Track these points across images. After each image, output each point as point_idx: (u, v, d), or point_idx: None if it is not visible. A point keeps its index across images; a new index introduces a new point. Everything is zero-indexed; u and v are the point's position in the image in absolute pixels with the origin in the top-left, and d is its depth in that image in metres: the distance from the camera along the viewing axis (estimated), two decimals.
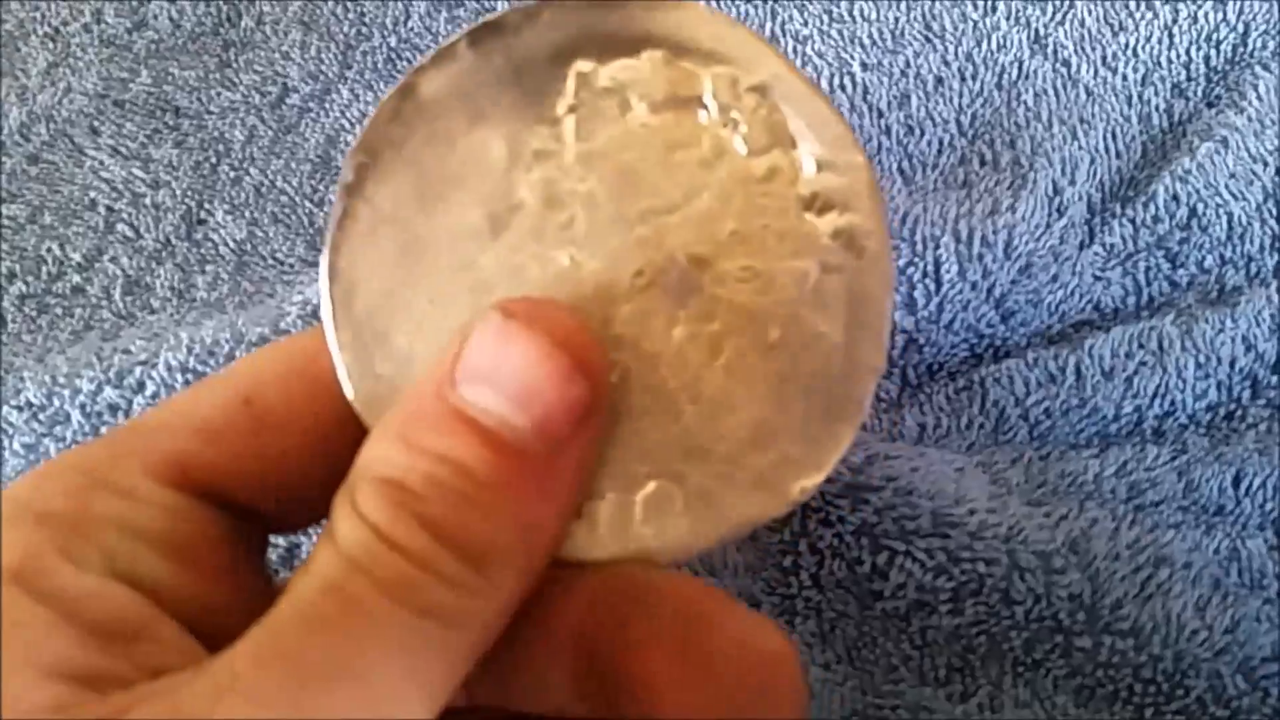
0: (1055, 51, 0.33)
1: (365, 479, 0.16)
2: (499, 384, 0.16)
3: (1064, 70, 0.32)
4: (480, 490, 0.15)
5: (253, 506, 0.18)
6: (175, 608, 0.16)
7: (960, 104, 0.33)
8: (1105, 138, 0.30)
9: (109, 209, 0.36)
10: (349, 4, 0.39)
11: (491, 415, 0.16)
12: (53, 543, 0.16)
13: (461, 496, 0.15)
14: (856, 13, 0.35)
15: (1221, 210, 0.29)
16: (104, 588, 0.16)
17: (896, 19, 0.34)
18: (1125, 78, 0.32)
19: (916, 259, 0.28)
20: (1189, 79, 0.32)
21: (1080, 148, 0.30)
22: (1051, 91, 0.32)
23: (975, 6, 0.34)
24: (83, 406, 0.29)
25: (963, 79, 0.33)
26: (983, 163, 0.31)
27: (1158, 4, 0.32)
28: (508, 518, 0.15)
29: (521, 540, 0.16)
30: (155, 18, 0.40)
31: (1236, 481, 0.25)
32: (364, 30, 0.38)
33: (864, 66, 0.34)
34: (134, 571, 0.16)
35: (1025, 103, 0.32)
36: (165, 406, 0.18)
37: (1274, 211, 0.29)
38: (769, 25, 0.35)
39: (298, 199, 0.35)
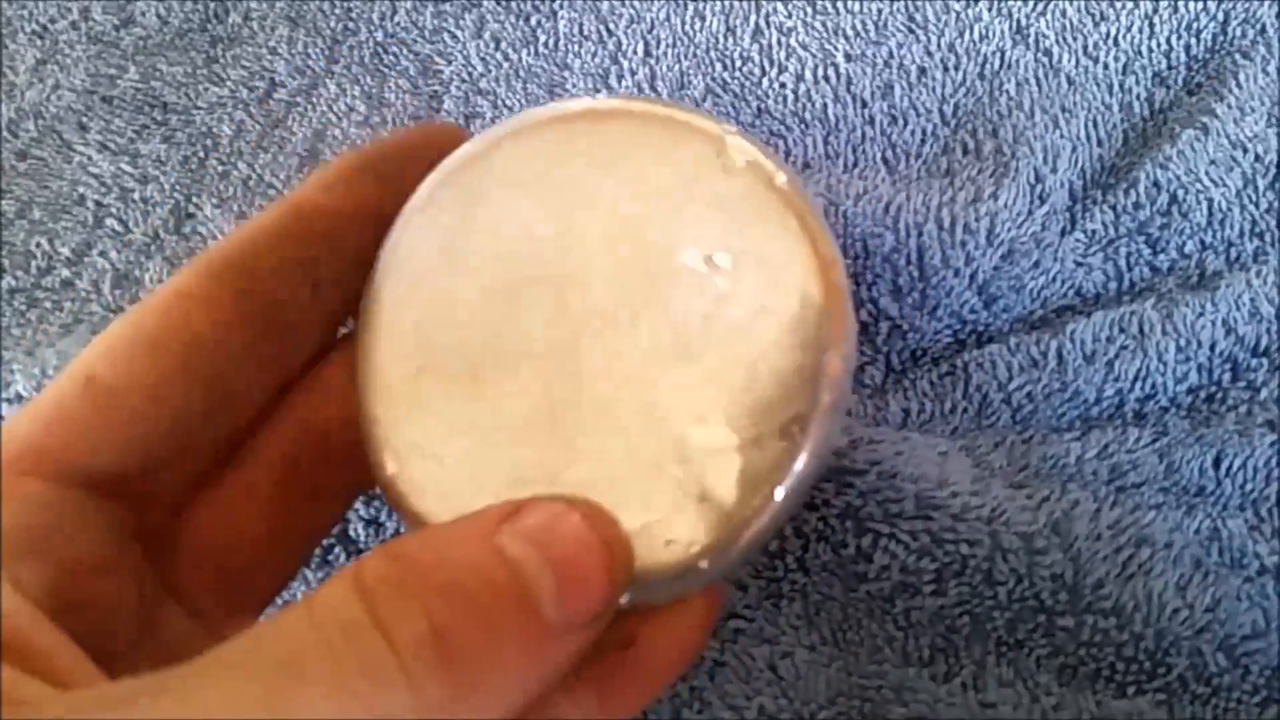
0: (1037, 41, 0.33)
1: (384, 555, 0.16)
2: (543, 548, 0.17)
3: (1045, 60, 0.33)
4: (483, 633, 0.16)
5: (116, 482, 0.18)
6: (47, 602, 0.16)
7: (943, 94, 0.33)
8: (1087, 126, 0.31)
9: (98, 204, 0.36)
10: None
11: (526, 569, 0.16)
12: None
13: (472, 619, 0.16)
14: (840, 4, 0.35)
15: (1202, 196, 0.29)
16: None
17: (880, 10, 0.34)
18: (1106, 67, 0.32)
19: (900, 246, 0.28)
20: (1169, 68, 0.32)
21: (1062, 136, 0.30)
22: (1033, 81, 0.32)
23: None
24: None
25: (945, 69, 0.33)
26: (965, 151, 0.32)
27: None
28: (498, 663, 0.16)
29: (496, 685, 0.16)
30: (143, 15, 0.40)
31: (1217, 463, 0.26)
32: (350, 25, 0.38)
33: (848, 57, 0.34)
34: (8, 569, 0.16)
35: (1007, 92, 0.32)
36: (23, 406, 0.19)
37: (1253, 197, 0.29)
38: (753, 18, 0.35)
39: (285, 193, 0.35)
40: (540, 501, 0.18)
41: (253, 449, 0.21)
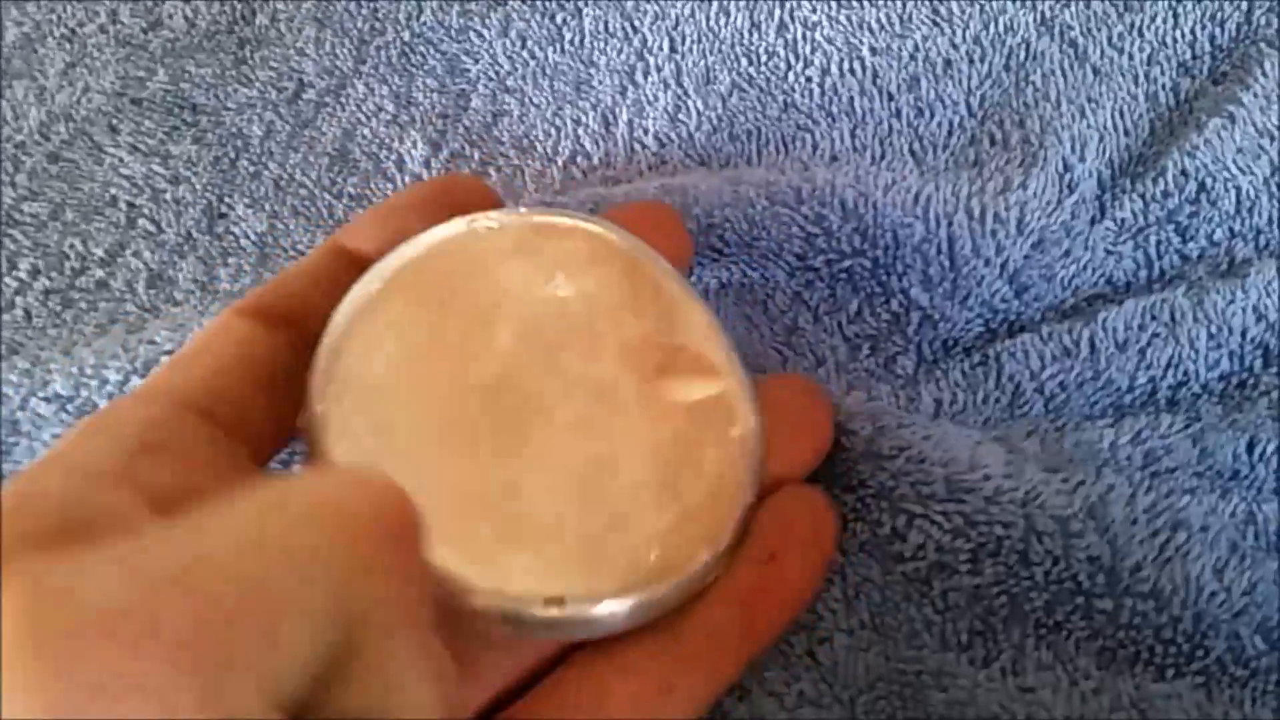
0: (1062, 33, 0.33)
1: None
2: None
3: (1071, 51, 0.33)
4: None
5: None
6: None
7: (969, 86, 0.33)
8: (1114, 116, 0.31)
9: (130, 205, 0.36)
10: (362, 0, 0.39)
11: None
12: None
13: None
14: None
15: (1230, 184, 0.29)
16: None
17: (904, 3, 0.35)
18: (1132, 57, 0.32)
19: (930, 236, 0.29)
20: (1194, 57, 0.32)
21: (1089, 126, 0.31)
22: (1059, 72, 0.33)
23: None
24: (110, 397, 0.30)
25: (971, 61, 0.33)
26: (993, 143, 0.32)
27: None
28: None
29: None
30: (170, 17, 0.40)
31: (1250, 447, 0.26)
32: (377, 25, 0.39)
33: (873, 51, 0.34)
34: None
35: (1034, 83, 0.33)
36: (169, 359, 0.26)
37: None
38: (778, 12, 0.35)
39: (316, 191, 0.35)
40: None
41: None
